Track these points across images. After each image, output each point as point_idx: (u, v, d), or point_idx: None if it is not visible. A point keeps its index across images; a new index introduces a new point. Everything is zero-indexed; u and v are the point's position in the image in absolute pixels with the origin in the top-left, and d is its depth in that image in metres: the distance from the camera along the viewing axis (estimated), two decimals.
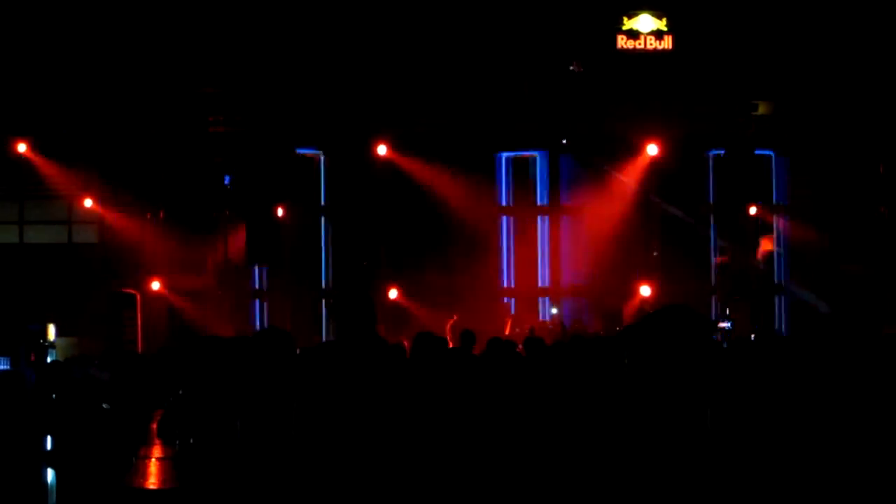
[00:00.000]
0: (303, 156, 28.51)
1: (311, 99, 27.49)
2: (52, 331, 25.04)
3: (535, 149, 29.60)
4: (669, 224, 29.63)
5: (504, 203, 29.94)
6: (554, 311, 28.87)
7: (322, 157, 28.95)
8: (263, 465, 7.82)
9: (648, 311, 27.74)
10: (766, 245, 30.13)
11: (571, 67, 27.78)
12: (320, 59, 27.13)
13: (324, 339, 26.01)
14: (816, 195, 29.27)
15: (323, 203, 28.99)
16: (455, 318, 26.41)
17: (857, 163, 28.85)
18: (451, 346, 14.95)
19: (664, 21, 27.99)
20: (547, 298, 29.49)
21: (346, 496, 6.87)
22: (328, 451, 6.99)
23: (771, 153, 29.96)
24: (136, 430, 15.08)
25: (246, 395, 8.50)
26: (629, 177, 29.28)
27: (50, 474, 15.13)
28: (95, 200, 27.31)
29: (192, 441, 11.12)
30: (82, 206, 27.43)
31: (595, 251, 28.98)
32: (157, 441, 13.88)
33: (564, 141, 28.92)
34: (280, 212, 27.63)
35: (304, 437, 7.14)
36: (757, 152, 29.30)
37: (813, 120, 28.78)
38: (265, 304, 28.08)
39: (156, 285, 27.22)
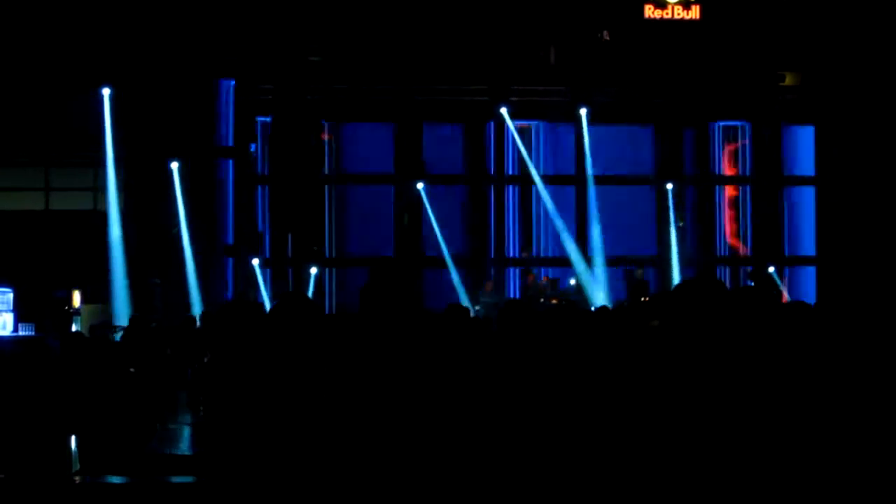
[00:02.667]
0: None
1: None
2: (77, 298, 25.10)
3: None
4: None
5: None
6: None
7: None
8: (287, 437, 7.81)
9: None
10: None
11: (600, 35, 27.73)
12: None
13: None
14: (844, 167, 29.12)
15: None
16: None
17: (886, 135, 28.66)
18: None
19: None
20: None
21: (367, 468, 6.85)
22: (354, 425, 6.96)
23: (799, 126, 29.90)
24: (159, 396, 15.13)
25: (271, 363, 8.48)
26: None
27: (73, 440, 15.18)
28: None
29: (216, 409, 11.12)
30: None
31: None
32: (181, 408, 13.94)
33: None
34: None
35: (332, 408, 7.11)
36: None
37: (841, 91, 28.67)
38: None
39: None
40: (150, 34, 26.59)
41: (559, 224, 28.76)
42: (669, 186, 29.07)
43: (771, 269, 28.44)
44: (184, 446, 11.62)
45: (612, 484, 5.91)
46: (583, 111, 28.55)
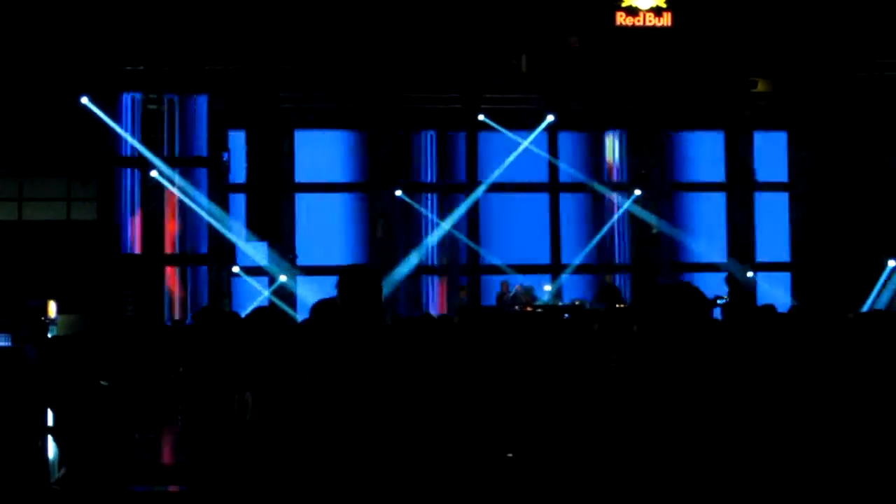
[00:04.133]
0: None
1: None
2: (52, 307, 25.05)
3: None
4: None
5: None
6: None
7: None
8: (266, 445, 7.84)
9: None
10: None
11: (569, 42, 27.82)
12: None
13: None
14: (816, 174, 29.32)
15: None
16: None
17: (858, 143, 28.86)
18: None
19: None
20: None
21: (349, 476, 6.89)
22: (331, 431, 7.00)
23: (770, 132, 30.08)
24: (137, 406, 15.11)
25: (245, 371, 8.53)
26: None
27: (52, 450, 15.16)
28: None
29: (193, 418, 11.15)
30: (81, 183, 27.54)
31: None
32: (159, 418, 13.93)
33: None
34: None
35: (307, 415, 7.15)
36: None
37: (813, 98, 28.87)
38: None
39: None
40: (120, 46, 26.67)
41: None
42: (637, 192, 29.27)
43: (750, 274, 28.63)
44: (164, 456, 11.62)
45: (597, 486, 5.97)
46: (550, 117, 28.75)
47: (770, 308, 8.88)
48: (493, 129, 28.86)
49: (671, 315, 5.62)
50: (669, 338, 5.58)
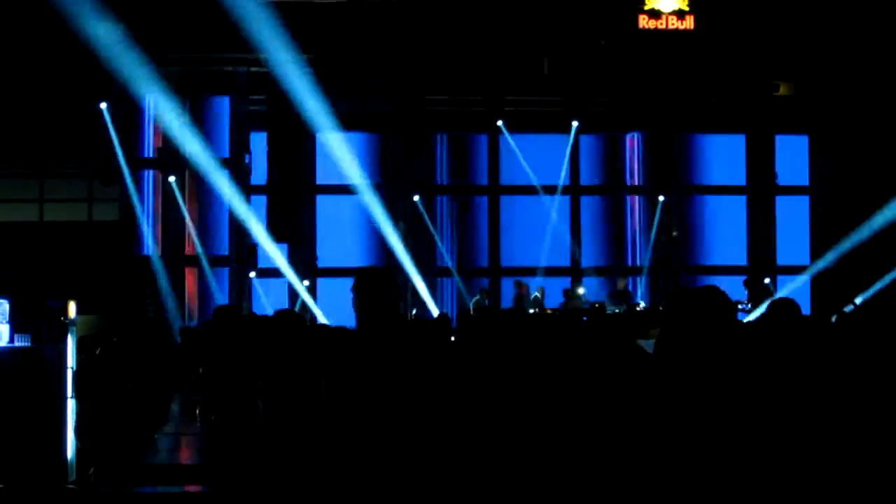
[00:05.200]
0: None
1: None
2: (72, 308, 25.07)
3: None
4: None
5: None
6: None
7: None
8: (285, 446, 7.83)
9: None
10: None
11: (600, 42, 27.87)
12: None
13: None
14: (836, 179, 29.24)
15: None
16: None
17: (880, 148, 28.74)
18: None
19: (686, 1, 27.96)
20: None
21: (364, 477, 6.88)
22: (349, 433, 6.98)
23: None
24: (156, 407, 15.13)
25: (264, 373, 8.52)
26: None
27: (70, 449, 15.19)
28: None
29: (213, 418, 11.15)
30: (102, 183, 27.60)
31: None
32: (178, 418, 13.92)
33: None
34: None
35: (326, 416, 7.13)
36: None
37: (835, 102, 28.80)
38: None
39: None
40: (143, 47, 26.71)
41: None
42: (661, 198, 29.28)
43: (766, 281, 28.56)
44: (184, 456, 11.62)
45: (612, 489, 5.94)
46: (574, 123, 28.79)
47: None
48: (514, 131, 28.87)
49: (699, 319, 5.61)
50: (698, 342, 5.56)
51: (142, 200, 27.46)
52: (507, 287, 28.85)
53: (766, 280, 28.62)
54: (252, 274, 27.69)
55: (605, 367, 6.19)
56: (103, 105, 26.69)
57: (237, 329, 10.52)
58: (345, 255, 28.49)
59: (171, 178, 27.02)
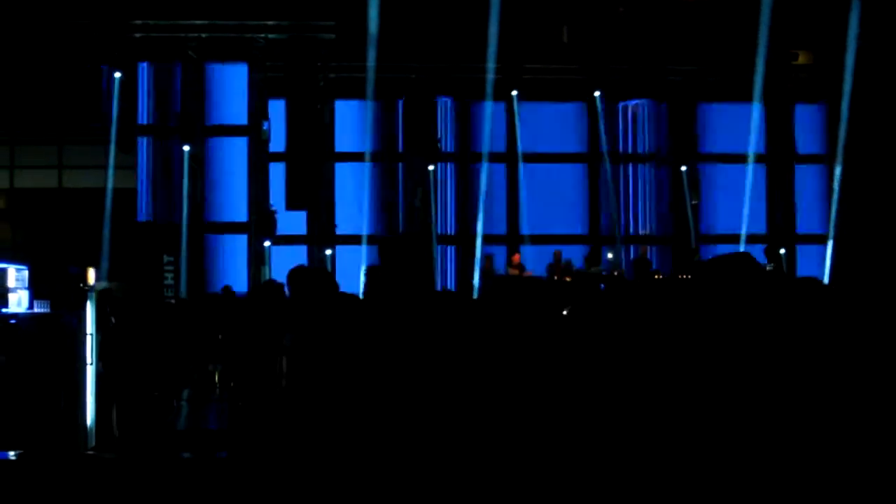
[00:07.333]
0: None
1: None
2: (91, 275, 25.15)
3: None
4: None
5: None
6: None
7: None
8: (307, 411, 7.83)
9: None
10: None
11: (619, 9, 27.78)
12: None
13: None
14: (854, 147, 29.12)
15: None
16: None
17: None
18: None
19: None
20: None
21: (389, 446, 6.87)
22: (377, 399, 6.98)
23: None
24: (177, 373, 15.18)
25: (288, 338, 8.52)
26: None
27: (89, 416, 15.24)
28: None
29: (232, 384, 11.18)
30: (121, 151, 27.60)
31: None
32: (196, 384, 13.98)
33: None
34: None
35: (351, 384, 7.12)
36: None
37: (854, 72, 28.65)
38: None
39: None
40: (163, 15, 26.71)
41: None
42: (683, 168, 29.21)
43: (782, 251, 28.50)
44: (208, 421, 11.66)
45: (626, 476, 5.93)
46: (597, 93, 28.74)
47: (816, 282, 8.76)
48: (531, 99, 28.79)
49: (734, 284, 5.59)
50: (733, 307, 5.55)
51: (160, 168, 27.45)
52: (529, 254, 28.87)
53: (782, 250, 28.55)
54: (266, 243, 27.66)
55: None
56: (118, 74, 26.66)
57: (272, 301, 10.46)
58: (361, 222, 28.43)
59: (185, 147, 26.98)
